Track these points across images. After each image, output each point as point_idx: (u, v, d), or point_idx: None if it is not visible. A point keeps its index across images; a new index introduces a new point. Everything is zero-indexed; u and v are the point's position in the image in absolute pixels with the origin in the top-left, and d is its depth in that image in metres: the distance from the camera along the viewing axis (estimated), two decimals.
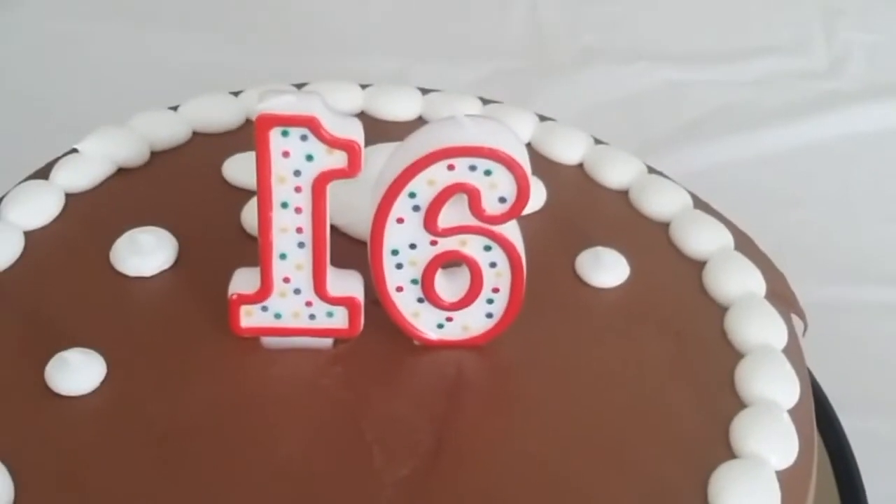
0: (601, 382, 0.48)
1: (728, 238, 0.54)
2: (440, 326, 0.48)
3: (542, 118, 0.61)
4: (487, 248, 0.46)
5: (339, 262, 0.47)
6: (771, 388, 0.47)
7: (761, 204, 0.77)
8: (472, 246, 0.46)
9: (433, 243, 0.46)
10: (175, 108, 0.59)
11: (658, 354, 0.49)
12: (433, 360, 0.48)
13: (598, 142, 0.59)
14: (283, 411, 0.46)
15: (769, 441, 0.45)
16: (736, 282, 0.52)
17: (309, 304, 0.47)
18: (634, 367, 0.49)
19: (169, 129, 0.57)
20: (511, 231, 0.46)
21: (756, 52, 0.95)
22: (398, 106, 0.60)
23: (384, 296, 0.47)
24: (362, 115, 0.59)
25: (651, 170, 0.58)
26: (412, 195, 0.44)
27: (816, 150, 0.85)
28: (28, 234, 0.52)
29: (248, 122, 0.58)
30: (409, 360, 0.48)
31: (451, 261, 0.46)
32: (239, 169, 0.55)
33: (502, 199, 0.45)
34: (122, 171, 0.55)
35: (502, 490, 0.44)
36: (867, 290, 0.74)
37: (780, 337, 0.50)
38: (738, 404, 0.47)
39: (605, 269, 0.52)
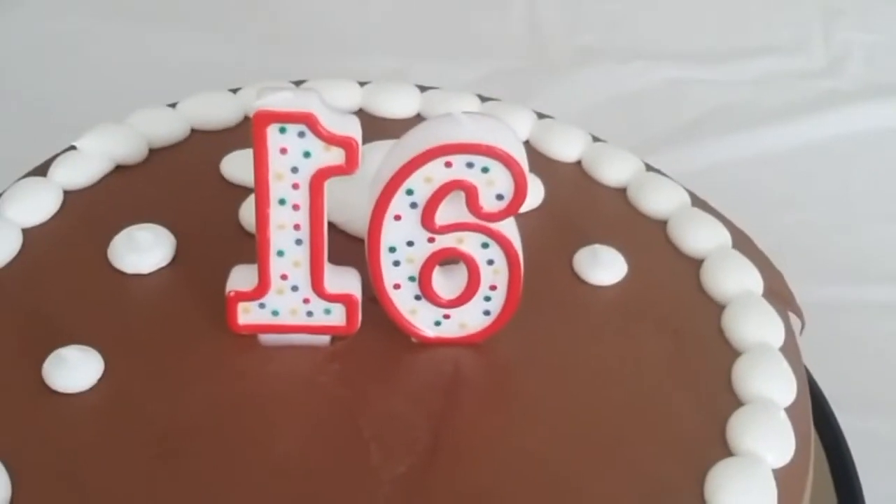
0: (598, 380, 0.48)
1: (726, 236, 0.54)
2: (437, 324, 0.48)
3: (541, 115, 0.61)
4: (485, 246, 0.46)
5: (336, 260, 0.47)
6: (768, 386, 0.47)
7: (760, 203, 0.77)
8: (469, 243, 0.46)
9: (431, 240, 0.46)
10: (173, 106, 0.59)
11: (655, 352, 0.49)
12: (430, 357, 0.48)
13: (596, 139, 0.59)
14: (281, 408, 0.46)
15: (766, 439, 0.45)
16: (733, 280, 0.52)
17: (306, 301, 0.47)
18: (632, 365, 0.49)
19: (167, 127, 0.57)
20: (508, 228, 0.46)
21: (755, 52, 0.95)
22: (396, 103, 0.60)
23: (381, 293, 0.47)
24: (361, 113, 0.59)
25: (649, 168, 0.58)
26: (410, 192, 0.44)
27: (815, 149, 0.85)
28: (26, 232, 0.52)
29: (246, 119, 0.58)
30: (407, 358, 0.48)
31: (448, 258, 0.46)
32: (237, 166, 0.55)
33: (500, 197, 0.45)
34: (120, 169, 0.55)
35: (499, 487, 0.44)
36: (866, 289, 0.74)
37: (777, 335, 0.50)
38: (735, 402, 0.47)
39: (603, 266, 0.52)
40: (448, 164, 0.44)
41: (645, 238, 0.55)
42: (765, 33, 0.97)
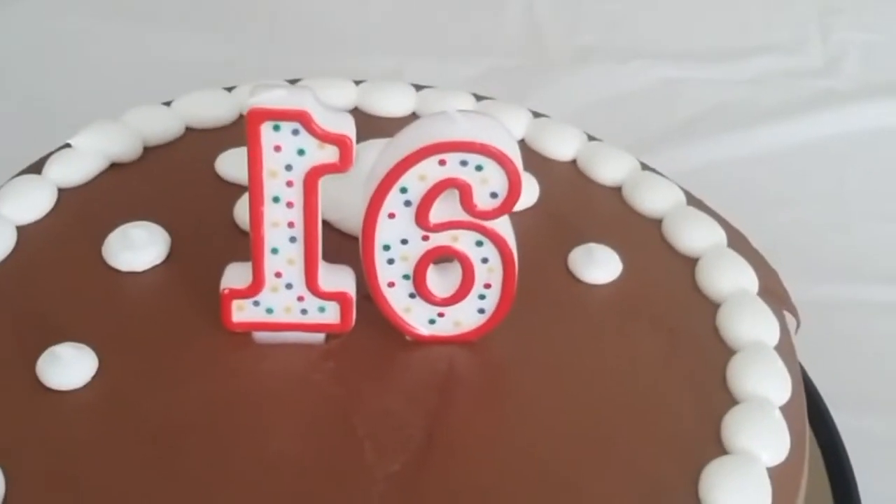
0: (593, 378, 0.48)
1: (721, 235, 0.54)
2: (432, 322, 0.48)
3: (536, 114, 0.61)
4: (479, 244, 0.46)
5: (330, 258, 0.47)
6: (763, 384, 0.47)
7: (755, 202, 0.77)
8: (463, 241, 0.46)
9: (425, 238, 0.46)
10: (168, 104, 0.59)
11: (650, 350, 0.49)
12: (425, 355, 0.48)
13: (591, 138, 0.60)
14: (275, 406, 0.46)
15: (761, 437, 0.45)
16: (728, 278, 0.52)
17: (301, 298, 0.47)
18: (626, 364, 0.49)
19: (162, 125, 0.57)
20: (503, 226, 0.46)
21: (752, 51, 0.95)
22: (392, 102, 0.60)
23: (376, 291, 0.47)
24: (356, 112, 0.59)
25: (644, 166, 0.58)
26: (404, 190, 0.44)
27: (811, 148, 0.85)
28: (20, 229, 0.52)
29: (241, 117, 0.58)
30: (401, 356, 0.48)
31: (442, 256, 0.46)
32: (232, 164, 0.55)
33: (494, 195, 0.45)
34: (114, 166, 0.55)
35: (493, 485, 0.44)
36: (861, 288, 0.74)
37: (772, 334, 0.50)
38: (730, 401, 0.47)
39: (598, 265, 0.52)
40: (442, 163, 0.44)
41: (640, 237, 0.55)
42: (762, 33, 0.97)
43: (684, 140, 0.85)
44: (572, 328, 0.50)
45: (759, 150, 0.85)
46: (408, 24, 0.97)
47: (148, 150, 0.56)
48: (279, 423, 0.45)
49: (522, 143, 0.59)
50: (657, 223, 0.55)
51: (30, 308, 0.48)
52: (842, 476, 0.55)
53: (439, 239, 0.46)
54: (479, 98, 0.61)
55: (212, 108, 0.58)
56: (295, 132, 0.43)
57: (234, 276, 0.47)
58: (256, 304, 0.47)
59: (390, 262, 0.46)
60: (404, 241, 0.46)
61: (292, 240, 0.45)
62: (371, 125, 0.55)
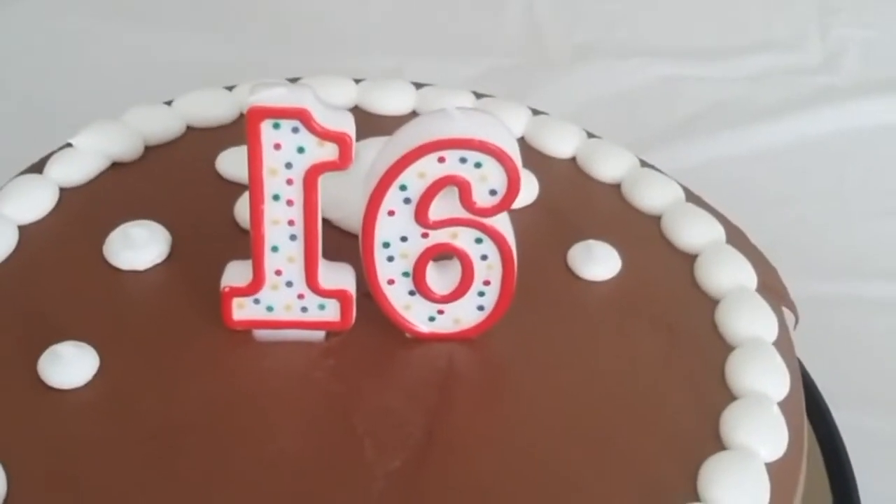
0: (592, 375, 0.48)
1: (720, 231, 0.54)
2: (431, 319, 0.48)
3: (535, 112, 0.61)
4: (478, 241, 0.46)
5: (330, 255, 0.47)
6: (761, 380, 0.48)
7: (755, 200, 0.77)
8: (463, 238, 0.46)
9: (424, 236, 0.46)
10: (169, 103, 0.59)
11: (649, 347, 0.49)
12: (425, 352, 0.48)
13: (590, 135, 0.60)
14: (276, 404, 0.46)
15: (759, 433, 0.45)
16: (727, 275, 0.52)
17: (301, 296, 0.47)
18: (626, 360, 0.49)
19: (162, 124, 0.57)
20: (502, 223, 0.46)
21: (751, 49, 0.95)
22: (392, 100, 0.60)
23: (376, 288, 0.47)
24: (356, 110, 0.60)
25: (643, 163, 0.58)
26: (403, 188, 0.45)
27: (811, 146, 0.85)
28: (22, 228, 0.52)
29: (241, 116, 0.58)
30: (401, 353, 0.48)
31: (442, 253, 0.46)
32: (232, 163, 0.55)
33: (493, 192, 0.45)
34: (115, 166, 0.56)
35: (493, 482, 0.44)
36: (860, 285, 0.74)
37: (770, 330, 0.50)
38: (729, 397, 0.47)
39: (597, 262, 0.52)
40: (441, 160, 0.44)
41: (639, 233, 0.55)
42: (761, 30, 0.97)
43: (684, 137, 0.85)
44: (571, 325, 0.50)
45: (759, 148, 0.85)
46: (408, 23, 0.97)
47: (149, 150, 0.57)
48: (280, 421, 0.45)
49: (522, 141, 0.59)
50: (656, 220, 0.55)
51: (31, 307, 0.49)
52: (841, 472, 0.55)
53: (439, 236, 0.46)
54: (478, 96, 0.62)
55: (212, 108, 0.58)
56: (295, 130, 0.43)
57: (235, 274, 0.47)
58: (257, 301, 0.47)
59: (390, 259, 0.46)
60: (404, 239, 0.46)
61: (292, 238, 0.46)
62: (371, 123, 0.55)
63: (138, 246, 0.50)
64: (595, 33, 0.96)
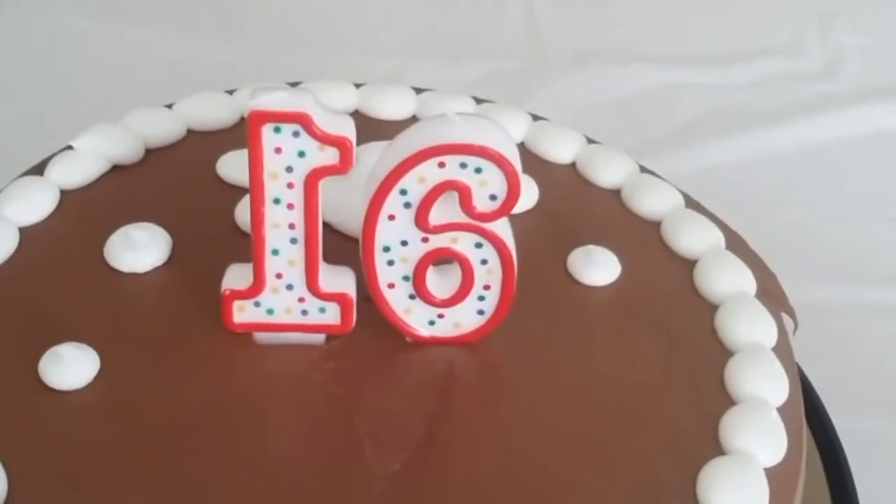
0: (592, 379, 0.48)
1: (719, 237, 0.55)
2: (431, 323, 0.48)
3: (535, 117, 0.61)
4: (478, 246, 0.46)
5: (331, 259, 0.47)
6: (760, 385, 0.48)
7: (755, 205, 0.77)
8: (463, 243, 0.46)
9: (424, 240, 0.46)
10: (170, 106, 0.59)
11: (649, 352, 0.49)
12: (425, 356, 0.48)
13: (590, 141, 0.60)
14: (276, 406, 0.46)
15: (758, 438, 0.46)
16: (726, 280, 0.52)
17: (301, 299, 0.47)
18: (625, 365, 0.49)
19: (163, 127, 0.57)
20: (502, 228, 0.46)
21: (751, 55, 0.95)
22: (392, 105, 0.60)
23: (376, 292, 0.47)
24: (356, 114, 0.60)
25: (643, 169, 0.58)
26: (403, 192, 0.45)
27: (810, 152, 0.86)
28: (23, 230, 0.52)
29: (242, 120, 0.58)
30: (401, 357, 0.48)
31: (442, 258, 0.47)
32: (233, 166, 0.55)
33: (493, 197, 0.45)
34: (116, 168, 0.56)
35: (492, 485, 0.44)
36: (859, 290, 0.74)
37: (769, 335, 0.50)
38: (728, 402, 0.47)
39: (597, 267, 0.52)
40: (441, 165, 0.44)
41: (639, 239, 0.55)
42: (760, 36, 0.97)
43: (683, 143, 0.85)
44: (571, 330, 0.50)
45: (758, 153, 0.85)
46: (408, 26, 0.97)
47: (149, 153, 0.57)
48: (280, 423, 0.45)
49: (522, 146, 0.59)
50: (656, 225, 0.56)
51: (32, 308, 0.49)
52: (840, 477, 0.55)
53: (439, 240, 0.46)
54: (478, 101, 0.62)
55: (213, 111, 0.59)
56: (296, 134, 0.44)
57: (235, 277, 0.47)
58: (257, 304, 0.47)
59: (390, 263, 0.47)
60: (404, 243, 0.46)
61: (293, 241, 0.46)
62: (371, 128, 0.55)
63: (139, 248, 0.50)
64: (595, 39, 0.97)
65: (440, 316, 0.48)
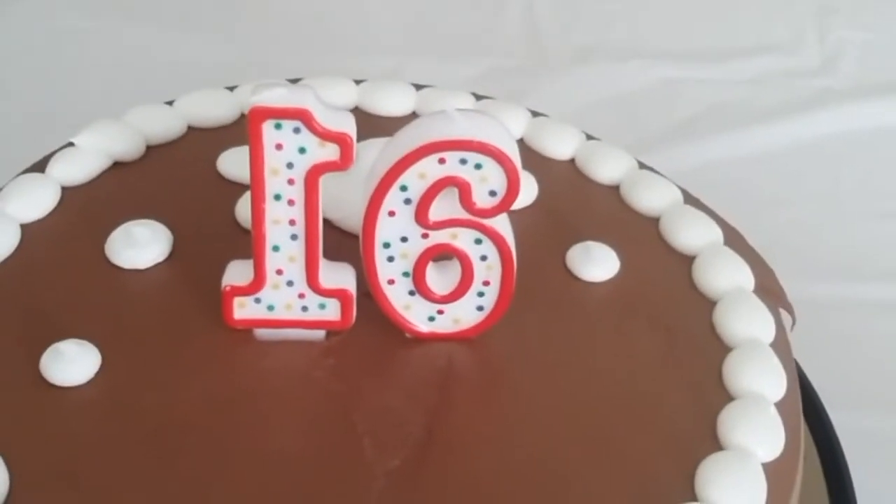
0: (590, 375, 0.48)
1: (717, 233, 0.55)
2: (431, 319, 0.48)
3: (535, 114, 0.61)
4: (478, 242, 0.46)
5: (331, 255, 0.47)
6: (758, 381, 0.48)
7: (753, 201, 0.77)
8: (462, 239, 0.46)
9: (424, 236, 0.46)
10: (170, 103, 0.59)
11: (647, 348, 0.50)
12: (424, 352, 0.48)
13: (589, 137, 0.60)
14: (276, 403, 0.46)
15: (756, 433, 0.46)
16: (725, 276, 0.52)
17: (301, 296, 0.47)
18: (624, 360, 0.49)
19: (164, 124, 0.58)
20: (502, 224, 0.46)
21: (750, 51, 0.95)
22: (392, 101, 0.61)
23: (376, 288, 0.47)
24: (356, 111, 0.60)
25: (642, 165, 0.59)
26: (403, 188, 0.45)
27: (808, 148, 0.86)
28: (24, 227, 0.52)
29: (242, 116, 0.58)
30: (401, 353, 0.48)
31: (442, 254, 0.47)
32: (233, 163, 0.55)
33: (493, 193, 0.45)
34: (117, 165, 0.56)
35: (492, 481, 0.44)
36: (857, 287, 0.74)
37: (767, 331, 0.50)
38: (726, 397, 0.47)
39: (596, 263, 0.52)
40: (441, 161, 0.44)
41: (637, 235, 0.55)
42: (759, 33, 0.98)
43: (682, 139, 0.85)
44: (570, 325, 0.50)
45: (757, 150, 0.85)
46: (407, 24, 0.97)
47: (150, 149, 0.57)
48: (280, 420, 0.45)
49: (521, 143, 0.59)
50: (654, 221, 0.56)
51: (33, 305, 0.49)
52: (837, 473, 0.55)
53: (439, 237, 0.46)
54: (478, 97, 0.62)
55: (213, 108, 0.59)
56: (296, 130, 0.44)
57: (236, 273, 0.47)
58: (258, 301, 0.47)
59: (390, 259, 0.47)
60: (404, 239, 0.46)
61: (293, 237, 0.46)
62: (371, 124, 0.55)
63: (140, 245, 0.51)
64: (594, 35, 0.97)
65: (440, 312, 0.48)
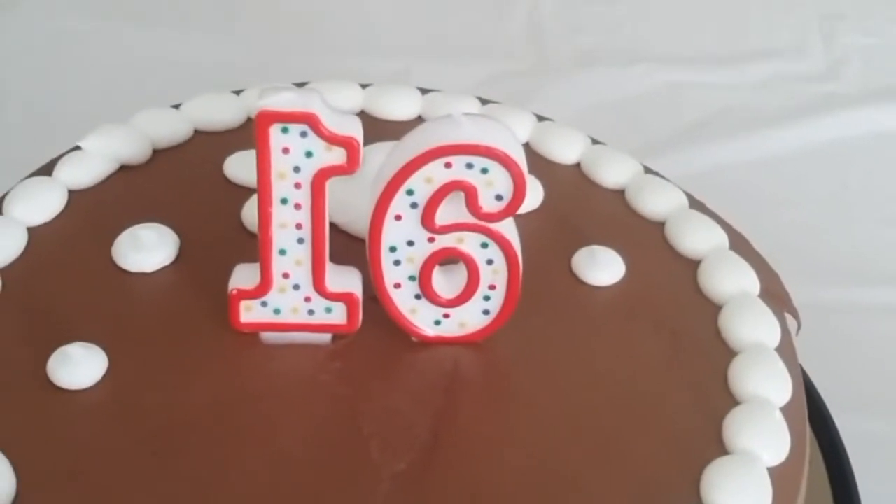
0: (596, 379, 0.48)
1: (723, 237, 0.55)
2: (437, 323, 0.48)
3: (540, 118, 0.61)
4: (484, 246, 0.46)
5: (337, 259, 0.47)
6: (764, 385, 0.48)
7: (758, 205, 0.77)
8: (469, 243, 0.46)
9: (431, 240, 0.46)
10: (177, 107, 0.59)
11: (652, 352, 0.50)
12: (430, 356, 0.48)
13: (595, 142, 0.60)
14: (282, 406, 0.46)
15: (761, 438, 0.46)
16: (730, 281, 0.52)
17: (308, 299, 0.47)
18: (629, 364, 0.49)
19: (171, 128, 0.58)
20: (508, 228, 0.46)
21: (755, 56, 0.95)
22: (398, 106, 0.61)
23: (382, 292, 0.47)
24: (362, 115, 0.60)
25: (647, 170, 0.59)
26: (410, 192, 0.45)
27: (813, 152, 0.86)
28: (31, 230, 0.52)
29: (248, 120, 0.58)
30: (407, 356, 0.48)
31: (448, 258, 0.47)
32: (240, 167, 0.55)
33: (499, 197, 0.45)
34: (124, 169, 0.56)
35: (497, 484, 0.44)
36: (862, 291, 0.74)
37: (773, 335, 0.50)
38: (732, 401, 0.47)
39: (601, 267, 0.52)
40: (448, 165, 0.44)
41: (643, 239, 0.55)
42: (764, 37, 0.98)
43: (687, 144, 0.85)
44: (575, 329, 0.50)
45: (762, 154, 0.85)
46: (412, 27, 0.97)
47: (157, 153, 0.57)
48: (286, 423, 0.45)
49: (527, 147, 0.59)
50: (660, 226, 0.56)
51: (40, 308, 0.49)
52: (842, 477, 0.55)
53: (445, 241, 0.46)
54: (484, 101, 0.62)
55: (220, 111, 0.59)
56: (303, 134, 0.44)
57: (242, 276, 0.47)
58: (264, 304, 0.47)
59: (396, 263, 0.47)
60: (410, 243, 0.46)
61: (300, 241, 0.46)
62: (377, 128, 0.55)
63: (147, 248, 0.51)
64: (599, 39, 0.97)
65: (446, 316, 0.48)
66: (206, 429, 0.45)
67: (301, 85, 0.60)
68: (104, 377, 0.46)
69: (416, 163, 0.44)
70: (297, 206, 0.45)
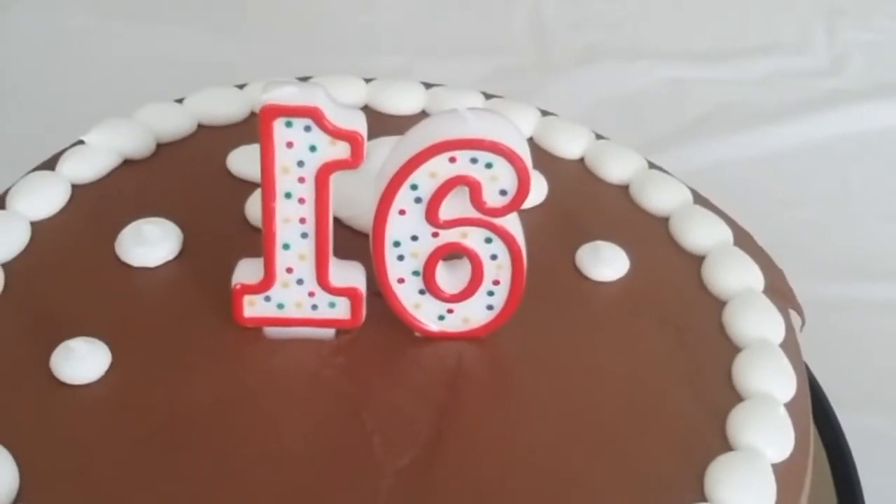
0: (600, 375, 0.48)
1: (727, 233, 0.55)
2: (441, 318, 0.48)
3: (544, 113, 0.61)
4: (488, 241, 0.46)
5: (341, 254, 0.47)
6: (768, 381, 0.48)
7: (761, 201, 0.78)
8: (473, 238, 0.46)
9: (435, 235, 0.46)
10: (180, 101, 0.59)
11: (656, 348, 0.50)
12: (434, 351, 0.48)
13: (599, 137, 0.60)
14: (285, 401, 0.46)
15: (765, 434, 0.46)
16: (734, 277, 0.52)
17: (311, 294, 0.47)
18: (633, 360, 0.49)
19: (174, 122, 0.58)
20: (512, 224, 0.46)
21: (757, 51, 0.95)
22: (402, 100, 0.61)
23: (386, 287, 0.47)
24: (366, 109, 0.59)
25: (651, 165, 0.59)
26: (414, 187, 0.45)
27: (817, 148, 0.86)
28: (35, 225, 0.52)
29: (252, 114, 0.58)
30: (410, 352, 0.48)
31: (452, 253, 0.47)
32: (243, 161, 0.55)
33: (503, 192, 0.45)
34: (127, 163, 0.56)
35: (500, 480, 0.44)
36: (866, 287, 0.74)
37: (777, 332, 0.50)
38: (736, 398, 0.47)
39: (605, 262, 0.52)
40: (452, 160, 0.44)
41: (647, 235, 0.55)
42: (767, 33, 0.98)
43: (691, 139, 0.85)
44: (579, 325, 0.50)
45: (765, 150, 0.85)
46: (415, 23, 0.97)
47: (160, 147, 0.57)
48: (289, 418, 0.45)
49: (531, 142, 0.59)
50: (664, 221, 0.56)
51: (43, 303, 0.49)
52: (845, 473, 0.55)
53: (449, 236, 0.46)
54: (488, 96, 0.62)
55: (223, 106, 0.59)
56: (307, 128, 0.44)
57: (246, 271, 0.47)
58: (267, 299, 0.47)
59: (400, 258, 0.47)
60: (414, 238, 0.46)
61: (304, 235, 0.46)
62: (381, 123, 0.55)
63: (150, 243, 0.51)
64: (602, 35, 0.97)
65: (449, 311, 0.48)
66: (209, 423, 0.45)
67: (305, 79, 0.59)
68: (107, 372, 0.46)
69: (420, 157, 0.44)
70: (301, 201, 0.45)
